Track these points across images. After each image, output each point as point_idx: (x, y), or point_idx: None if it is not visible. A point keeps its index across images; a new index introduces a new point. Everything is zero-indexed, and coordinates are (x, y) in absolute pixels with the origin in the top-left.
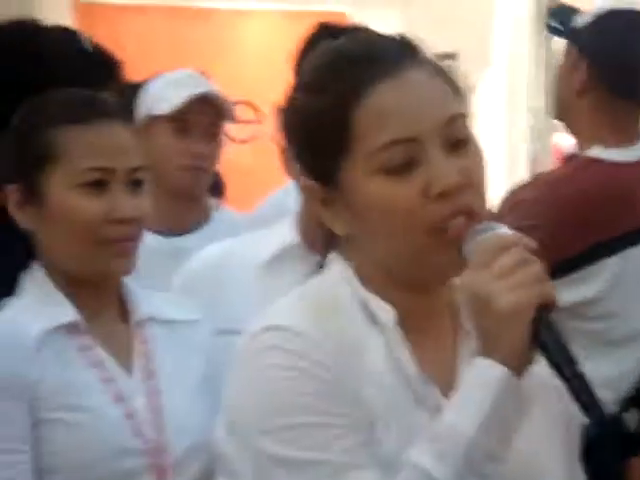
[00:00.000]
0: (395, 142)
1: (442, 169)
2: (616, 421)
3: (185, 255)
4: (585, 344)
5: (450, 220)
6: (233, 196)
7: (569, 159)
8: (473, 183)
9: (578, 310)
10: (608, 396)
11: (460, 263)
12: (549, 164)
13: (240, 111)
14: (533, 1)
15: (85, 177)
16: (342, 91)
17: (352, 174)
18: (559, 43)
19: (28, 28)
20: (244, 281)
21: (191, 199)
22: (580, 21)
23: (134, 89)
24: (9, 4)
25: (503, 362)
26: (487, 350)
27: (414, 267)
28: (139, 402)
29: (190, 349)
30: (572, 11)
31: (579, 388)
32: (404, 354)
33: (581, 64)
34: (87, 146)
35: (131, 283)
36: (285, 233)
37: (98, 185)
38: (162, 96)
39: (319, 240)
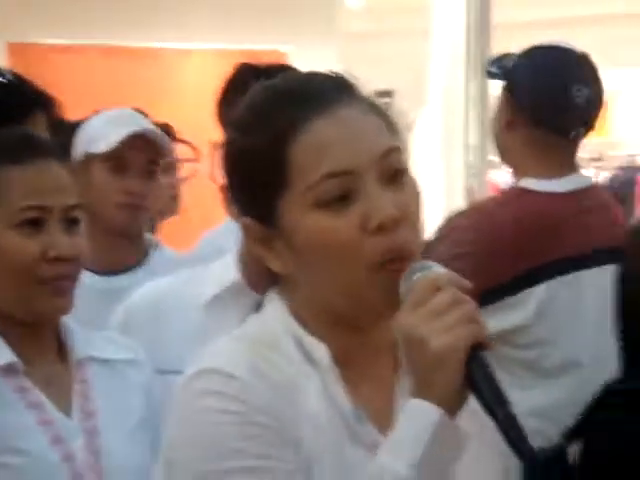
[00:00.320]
0: (331, 175)
1: (379, 202)
2: (559, 453)
3: (123, 294)
4: (518, 372)
5: (385, 255)
6: (171, 234)
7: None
8: (409, 216)
9: (508, 337)
10: (542, 425)
11: (396, 301)
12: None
13: (178, 149)
14: (467, 41)
15: (21, 216)
16: (277, 128)
17: (290, 211)
18: (494, 82)
19: None
20: (184, 320)
21: (129, 237)
22: (510, 61)
23: (71, 128)
24: None
25: (437, 403)
26: (421, 391)
27: (351, 303)
28: (78, 444)
29: (130, 389)
30: (508, 55)
31: (510, 430)
32: (339, 392)
33: (507, 100)
34: (24, 185)
35: (69, 322)
36: (226, 272)
37: (34, 224)
38: (99, 134)
39: (260, 279)
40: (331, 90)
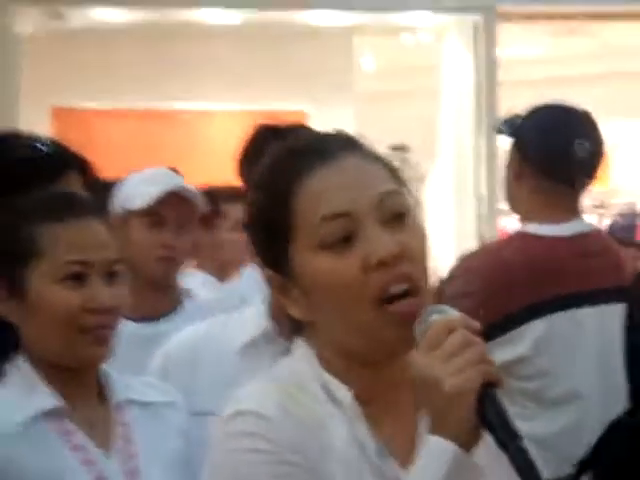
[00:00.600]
0: (329, 217)
1: (379, 241)
2: None
3: (159, 340)
4: (521, 402)
5: (389, 285)
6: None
7: None
8: (411, 254)
9: (511, 369)
10: (546, 455)
11: (409, 339)
12: None
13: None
14: (475, 98)
15: (65, 270)
16: (284, 182)
17: (299, 256)
18: (501, 137)
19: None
20: (218, 364)
21: (165, 287)
22: (518, 120)
23: (108, 186)
24: None
25: (453, 439)
26: (437, 428)
27: (364, 341)
28: None
29: (168, 430)
30: (516, 115)
31: (522, 464)
32: (362, 430)
33: (516, 154)
34: (67, 242)
35: (109, 368)
36: (257, 319)
37: (77, 278)
38: (136, 193)
39: (286, 326)
40: (335, 143)
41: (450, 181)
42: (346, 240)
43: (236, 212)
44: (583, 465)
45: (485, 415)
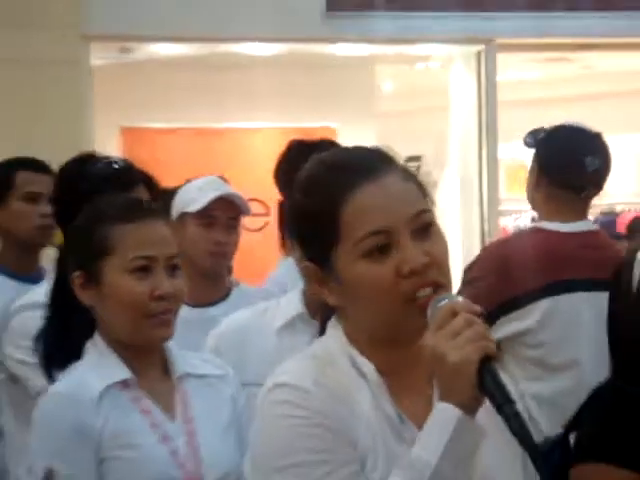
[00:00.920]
0: (374, 233)
1: (411, 253)
2: (561, 441)
3: (212, 323)
4: (529, 367)
5: (418, 290)
6: (247, 273)
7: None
8: (437, 261)
9: (521, 339)
10: (551, 412)
11: (426, 325)
12: None
13: (252, 207)
14: (478, 115)
15: (134, 264)
16: (332, 194)
17: (341, 260)
18: (502, 148)
19: (79, 159)
20: (261, 343)
21: (215, 278)
22: (540, 133)
23: (169, 193)
24: (66, 129)
25: (457, 404)
26: (444, 396)
27: (390, 330)
28: (180, 441)
29: (220, 398)
30: (539, 130)
31: (515, 425)
32: (385, 400)
33: (535, 166)
34: (135, 240)
35: (172, 346)
36: (292, 305)
37: (144, 270)
38: (192, 198)
39: (318, 310)
40: (375, 161)
41: (457, 186)
42: (382, 250)
43: None
44: (570, 426)
45: (484, 384)
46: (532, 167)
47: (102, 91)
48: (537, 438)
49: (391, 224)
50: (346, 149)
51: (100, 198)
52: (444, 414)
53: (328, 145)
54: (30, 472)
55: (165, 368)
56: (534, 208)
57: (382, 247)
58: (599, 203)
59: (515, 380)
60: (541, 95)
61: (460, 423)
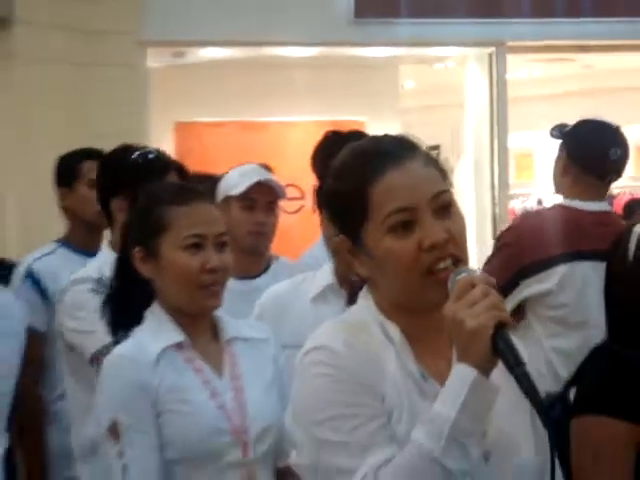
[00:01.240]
0: (398, 210)
1: (431, 229)
2: (562, 396)
3: (254, 293)
4: (550, 325)
5: (438, 263)
6: (284, 250)
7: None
8: (455, 237)
9: (542, 300)
10: (569, 364)
11: (446, 295)
12: (506, 222)
13: (289, 191)
14: (489, 110)
15: (187, 241)
16: (362, 177)
17: (370, 234)
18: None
19: (120, 149)
20: (299, 310)
21: (257, 254)
22: (566, 128)
23: (216, 179)
24: (126, 124)
25: (474, 365)
26: (462, 358)
27: (413, 299)
28: (228, 397)
29: (264, 359)
30: (564, 124)
31: (526, 384)
32: (409, 360)
33: (563, 154)
34: (187, 220)
35: (220, 313)
36: (325, 277)
37: (196, 246)
38: (235, 183)
39: (346, 283)
40: (400, 148)
41: (471, 172)
42: (406, 226)
43: None
44: (569, 383)
45: (497, 348)
46: (559, 156)
47: (158, 91)
48: (557, 387)
49: (414, 203)
50: (376, 137)
51: (157, 184)
52: (462, 374)
53: (359, 136)
54: (98, 423)
55: (215, 333)
56: (559, 191)
57: (406, 223)
58: None
59: (538, 336)
60: (546, 91)
61: (476, 382)
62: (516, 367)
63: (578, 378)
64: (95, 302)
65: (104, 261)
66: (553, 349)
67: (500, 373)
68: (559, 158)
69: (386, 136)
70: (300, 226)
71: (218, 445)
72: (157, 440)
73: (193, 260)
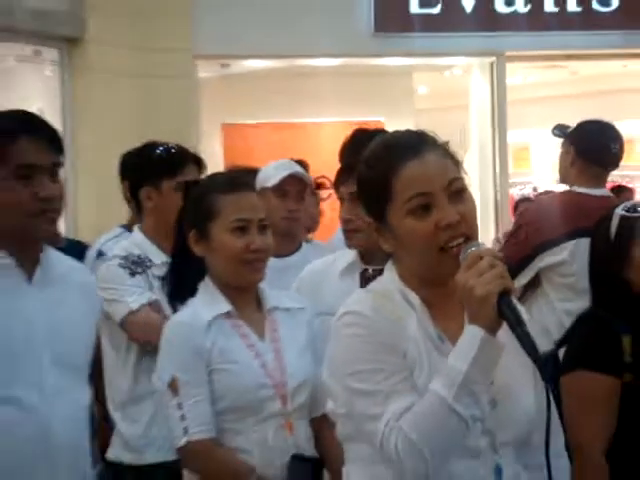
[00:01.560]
0: (418, 195)
1: (446, 211)
2: (554, 354)
3: (289, 269)
4: (563, 291)
5: (452, 241)
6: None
7: (518, 202)
8: (467, 218)
9: (555, 270)
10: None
11: (458, 268)
12: (506, 208)
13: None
14: (491, 110)
15: (234, 225)
16: (387, 167)
17: (394, 215)
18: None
19: (146, 145)
20: (330, 283)
21: (290, 236)
22: (570, 128)
23: (255, 171)
24: (180, 126)
25: (482, 326)
26: (472, 320)
27: (431, 271)
28: (269, 357)
29: (300, 325)
30: (564, 125)
31: (526, 341)
32: (428, 323)
33: (570, 149)
34: (235, 206)
35: (263, 286)
36: (350, 255)
37: (241, 229)
38: (270, 175)
39: (369, 257)
40: (420, 142)
41: (476, 164)
42: (425, 209)
43: None
44: (559, 344)
45: (502, 311)
46: (566, 151)
47: (207, 97)
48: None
49: (431, 189)
50: (399, 132)
51: (208, 175)
52: (472, 333)
53: (382, 133)
54: (159, 379)
55: (258, 303)
56: (564, 181)
57: (424, 207)
58: None
59: (551, 300)
60: (539, 94)
61: (484, 340)
62: (518, 327)
63: (567, 339)
64: (122, 275)
65: (133, 242)
66: (564, 311)
67: (505, 333)
68: (566, 153)
69: (407, 131)
70: (329, 211)
71: (261, 398)
72: (209, 394)
73: (239, 241)
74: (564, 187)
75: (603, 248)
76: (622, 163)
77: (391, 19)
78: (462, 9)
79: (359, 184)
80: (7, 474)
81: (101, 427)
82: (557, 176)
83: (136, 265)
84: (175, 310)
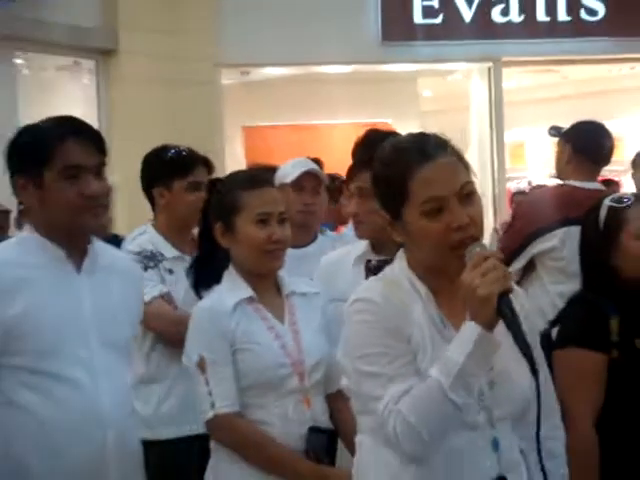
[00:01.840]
0: (431, 198)
1: (457, 214)
2: (547, 335)
3: (305, 258)
4: (555, 274)
5: (462, 241)
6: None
7: (515, 195)
8: (475, 220)
9: (548, 255)
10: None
11: (464, 265)
12: (504, 200)
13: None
14: (489, 111)
15: (257, 218)
16: (404, 170)
17: (409, 214)
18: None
19: (159, 148)
20: (345, 272)
21: (306, 228)
22: (565, 128)
23: (274, 169)
24: (205, 129)
25: (480, 323)
26: (472, 316)
27: (439, 267)
28: (288, 338)
29: (315, 309)
30: (558, 126)
31: (520, 338)
32: (433, 309)
33: (567, 147)
34: (258, 201)
35: (282, 273)
36: (362, 245)
37: (263, 222)
38: (287, 172)
39: (379, 247)
40: (434, 147)
41: (476, 160)
42: (438, 211)
43: None
44: (553, 323)
45: (501, 309)
46: (562, 149)
47: (229, 102)
48: None
49: (444, 192)
50: (415, 136)
51: (232, 173)
52: (471, 329)
53: (392, 134)
54: (188, 359)
55: (277, 289)
56: (560, 176)
57: (437, 209)
58: None
59: (544, 283)
60: (533, 96)
61: (481, 337)
62: (513, 325)
63: (560, 320)
64: None
65: (147, 238)
66: (557, 293)
67: (500, 328)
68: (562, 151)
69: (422, 134)
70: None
71: (281, 376)
72: (233, 372)
73: (261, 233)
74: (557, 181)
75: (593, 236)
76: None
77: (397, 29)
78: (462, 19)
79: (374, 181)
80: (62, 448)
81: None
82: (550, 171)
83: (148, 260)
84: (200, 297)
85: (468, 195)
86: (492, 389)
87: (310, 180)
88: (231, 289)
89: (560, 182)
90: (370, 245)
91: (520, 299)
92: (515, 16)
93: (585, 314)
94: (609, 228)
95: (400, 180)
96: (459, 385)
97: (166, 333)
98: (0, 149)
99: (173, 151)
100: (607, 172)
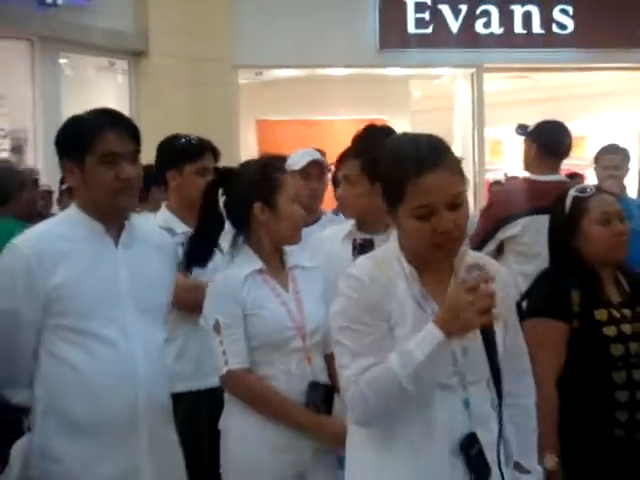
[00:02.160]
0: (424, 205)
1: (444, 221)
2: (519, 306)
3: (312, 236)
4: (519, 257)
5: (444, 242)
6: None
7: (492, 184)
8: (459, 225)
9: (514, 240)
10: (526, 283)
11: (444, 259)
12: (482, 189)
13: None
14: (471, 111)
15: (292, 197)
16: (407, 171)
17: (402, 212)
18: (488, 131)
19: (172, 137)
20: (337, 248)
21: (312, 210)
22: (531, 127)
23: (284, 158)
24: (222, 124)
25: (446, 334)
26: (441, 323)
27: (425, 258)
28: (292, 305)
29: (315, 280)
30: (524, 125)
31: (491, 349)
32: (415, 285)
33: (532, 144)
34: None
35: (287, 249)
36: (350, 224)
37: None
38: (296, 161)
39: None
40: (435, 155)
41: (459, 154)
42: (428, 215)
43: None
44: (522, 297)
45: (486, 336)
46: (529, 146)
47: (245, 99)
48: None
49: (436, 201)
50: (418, 141)
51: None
52: (434, 334)
53: (388, 130)
54: (206, 322)
55: (282, 262)
56: (527, 169)
57: (428, 213)
58: None
59: (510, 264)
60: (510, 99)
61: (441, 344)
62: (490, 347)
63: (529, 293)
64: None
65: (160, 217)
66: (520, 272)
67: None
68: (529, 148)
69: (431, 141)
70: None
71: (286, 336)
72: (245, 333)
73: (299, 210)
74: (526, 174)
75: (559, 222)
76: (575, 156)
77: (392, 37)
78: (449, 30)
79: (382, 174)
80: (99, 400)
81: None
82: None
83: None
84: (190, 272)
85: (457, 205)
86: (465, 355)
87: (316, 168)
88: (244, 262)
89: (528, 175)
90: (356, 224)
91: (500, 275)
92: (496, 28)
93: (550, 289)
94: (573, 215)
95: (398, 184)
96: (413, 378)
97: (180, 299)
98: (46, 138)
99: (184, 140)
100: (572, 166)
